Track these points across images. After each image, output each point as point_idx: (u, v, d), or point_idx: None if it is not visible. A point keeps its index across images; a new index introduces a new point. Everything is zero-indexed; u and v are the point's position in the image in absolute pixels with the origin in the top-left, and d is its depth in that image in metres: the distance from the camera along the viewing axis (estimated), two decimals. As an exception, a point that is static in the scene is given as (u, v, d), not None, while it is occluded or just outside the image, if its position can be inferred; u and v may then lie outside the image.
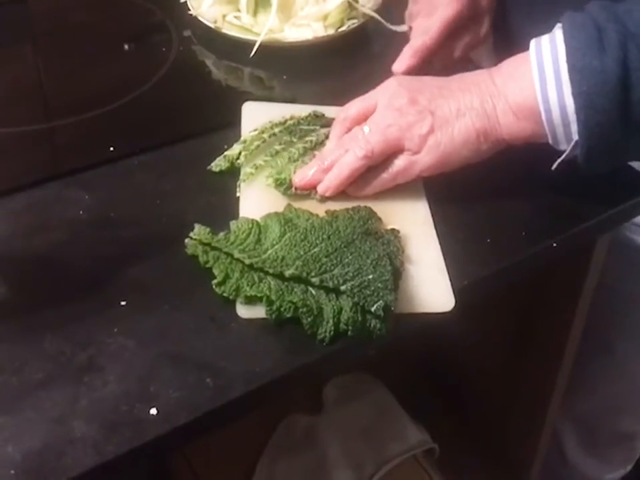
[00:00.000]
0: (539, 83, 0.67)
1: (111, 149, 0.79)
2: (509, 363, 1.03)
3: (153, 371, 0.60)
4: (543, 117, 0.68)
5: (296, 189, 0.73)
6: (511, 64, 0.71)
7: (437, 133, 0.70)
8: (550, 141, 0.70)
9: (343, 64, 0.95)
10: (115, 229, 0.72)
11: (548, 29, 0.70)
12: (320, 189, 0.73)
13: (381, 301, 0.61)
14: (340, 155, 0.73)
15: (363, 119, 0.74)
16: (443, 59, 0.86)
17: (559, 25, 0.69)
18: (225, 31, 0.95)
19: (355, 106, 0.75)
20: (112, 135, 0.81)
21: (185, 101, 0.88)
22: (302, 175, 0.74)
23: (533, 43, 0.70)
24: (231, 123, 0.83)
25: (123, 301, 0.64)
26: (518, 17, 0.92)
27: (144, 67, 0.93)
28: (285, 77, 0.93)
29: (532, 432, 1.07)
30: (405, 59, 0.83)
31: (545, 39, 0.69)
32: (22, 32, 1.03)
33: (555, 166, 0.71)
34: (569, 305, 0.90)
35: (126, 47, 0.98)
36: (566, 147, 0.69)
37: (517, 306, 0.97)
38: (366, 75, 0.89)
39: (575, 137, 0.68)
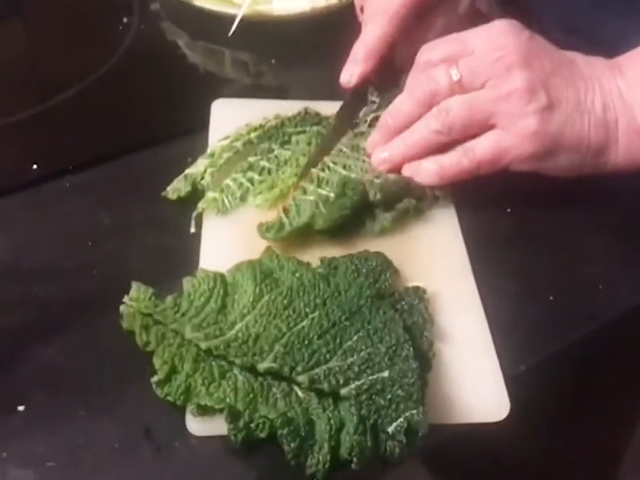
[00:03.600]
0: None
1: (34, 166, 0.60)
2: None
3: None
4: None
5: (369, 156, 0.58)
6: (636, 66, 0.55)
7: (545, 118, 0.53)
8: None
9: (349, 43, 0.74)
10: (25, 286, 0.52)
11: None
12: (374, 160, 0.57)
13: (401, 419, 0.40)
14: (405, 102, 0.57)
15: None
16: (408, 50, 0.64)
17: None
18: (198, 3, 0.76)
19: (443, 48, 0.57)
20: (36, 147, 0.63)
21: (139, 98, 0.69)
22: (371, 141, 0.58)
23: None
24: (202, 126, 0.63)
25: (21, 405, 0.44)
26: None
27: (89, 54, 0.73)
28: (273, 61, 0.75)
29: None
30: (355, 64, 0.62)
31: None
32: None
33: None
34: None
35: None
36: None
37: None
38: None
39: None
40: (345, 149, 0.59)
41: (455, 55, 0.55)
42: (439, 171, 0.55)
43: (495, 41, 0.55)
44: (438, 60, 0.56)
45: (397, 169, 0.57)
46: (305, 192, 0.56)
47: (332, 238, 0.54)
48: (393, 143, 0.57)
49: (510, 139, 0.53)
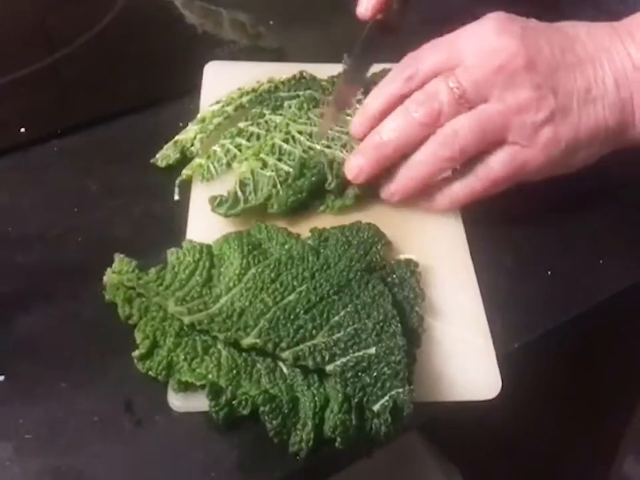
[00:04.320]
0: None
1: (22, 130, 0.58)
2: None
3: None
4: None
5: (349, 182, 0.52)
6: None
7: (557, 122, 0.49)
8: None
9: (349, 3, 0.71)
10: (10, 252, 0.50)
11: None
12: (385, 193, 0.52)
13: (387, 397, 0.39)
14: (403, 127, 0.49)
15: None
16: None
17: None
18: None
19: (431, 58, 0.51)
20: (24, 110, 0.60)
21: (132, 60, 0.66)
22: (352, 165, 0.51)
23: None
24: (196, 89, 0.61)
25: (1, 374, 0.43)
26: None
27: (81, 13, 0.70)
28: (271, 22, 0.72)
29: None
30: None
31: None
32: None
33: None
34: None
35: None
36: None
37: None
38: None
39: None
40: (314, 117, 0.55)
41: (445, 65, 0.50)
42: (452, 199, 0.51)
43: (488, 45, 0.49)
44: (427, 71, 0.50)
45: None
46: (264, 165, 0.52)
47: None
48: (401, 175, 0.51)
49: (524, 152, 0.49)
